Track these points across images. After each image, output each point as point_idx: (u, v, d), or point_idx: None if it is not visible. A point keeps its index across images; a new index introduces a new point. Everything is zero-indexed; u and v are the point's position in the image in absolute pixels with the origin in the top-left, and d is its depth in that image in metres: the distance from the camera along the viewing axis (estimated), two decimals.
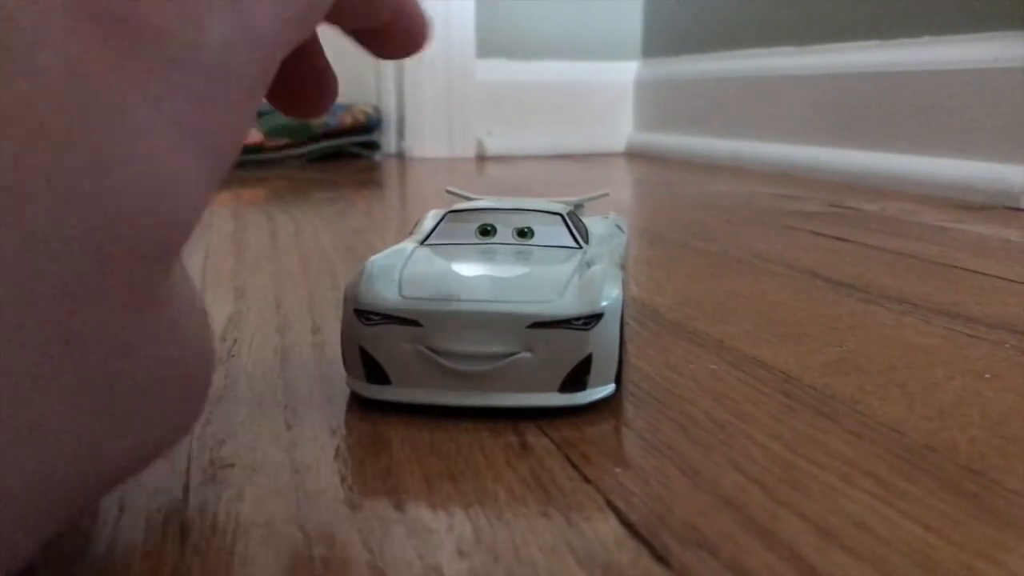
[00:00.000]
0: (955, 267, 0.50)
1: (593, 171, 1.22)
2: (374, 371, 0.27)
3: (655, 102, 1.51)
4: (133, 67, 0.15)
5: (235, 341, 0.35)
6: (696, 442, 0.24)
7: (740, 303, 0.41)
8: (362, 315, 0.26)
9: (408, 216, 0.75)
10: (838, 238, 0.61)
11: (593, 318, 0.26)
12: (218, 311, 0.40)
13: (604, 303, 0.26)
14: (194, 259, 0.52)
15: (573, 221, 0.32)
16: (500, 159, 1.42)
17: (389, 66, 1.50)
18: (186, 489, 0.22)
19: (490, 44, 1.49)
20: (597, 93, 1.55)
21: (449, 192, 0.41)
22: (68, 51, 0.14)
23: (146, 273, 0.15)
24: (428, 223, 0.34)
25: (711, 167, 1.22)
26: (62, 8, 0.14)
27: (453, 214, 0.32)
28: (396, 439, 0.25)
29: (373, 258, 0.28)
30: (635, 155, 1.49)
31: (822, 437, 0.25)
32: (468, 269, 0.28)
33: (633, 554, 0.18)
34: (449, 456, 0.24)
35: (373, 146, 1.45)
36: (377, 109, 1.49)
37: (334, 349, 0.34)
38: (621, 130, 1.56)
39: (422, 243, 0.31)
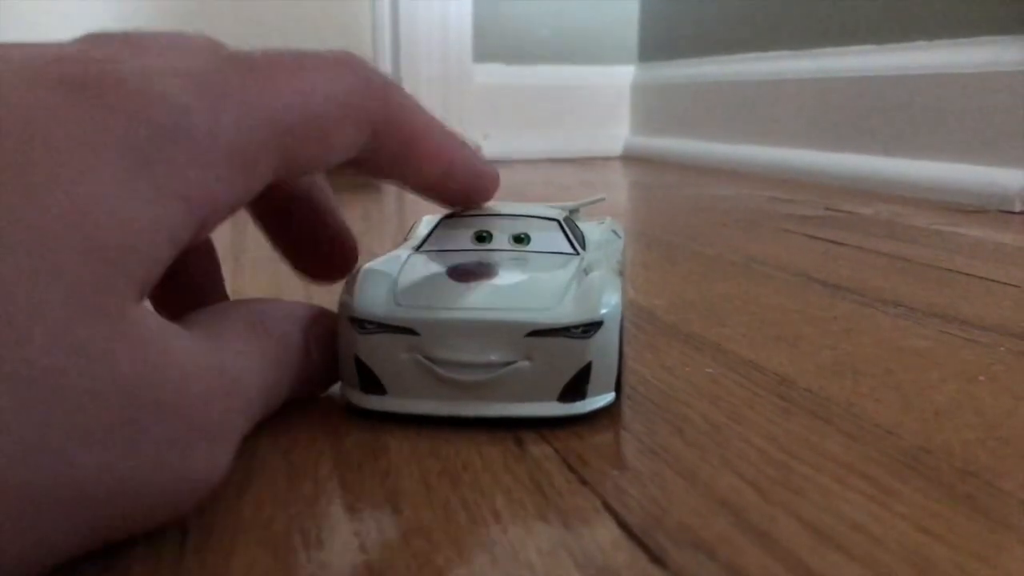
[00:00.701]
0: (950, 270, 0.51)
1: (590, 175, 1.23)
2: (369, 381, 0.26)
3: (651, 106, 1.51)
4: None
5: None
6: (692, 444, 0.24)
7: (736, 306, 0.41)
8: (357, 324, 0.26)
9: (405, 220, 0.75)
10: (833, 241, 0.61)
11: (592, 326, 0.25)
12: None
13: (603, 311, 0.26)
14: None
15: (569, 227, 0.32)
16: (497, 163, 1.42)
17: (386, 69, 1.50)
18: None
19: (487, 48, 1.49)
20: (594, 97, 1.56)
21: None
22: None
23: (103, 286, 0.16)
24: (422, 229, 0.34)
25: (707, 171, 1.22)
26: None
27: (448, 220, 0.31)
28: (394, 442, 0.25)
29: (367, 265, 0.28)
30: (631, 159, 1.49)
31: (817, 439, 0.25)
32: (460, 278, 0.27)
33: (630, 556, 0.19)
34: (447, 459, 0.24)
35: None
36: None
37: None
38: (617, 134, 1.57)
39: (417, 249, 0.30)
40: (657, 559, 0.18)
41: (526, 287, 0.27)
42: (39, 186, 0.16)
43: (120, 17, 1.52)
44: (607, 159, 1.49)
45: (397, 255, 0.29)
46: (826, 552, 0.19)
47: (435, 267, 0.28)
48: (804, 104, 1.11)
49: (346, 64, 0.23)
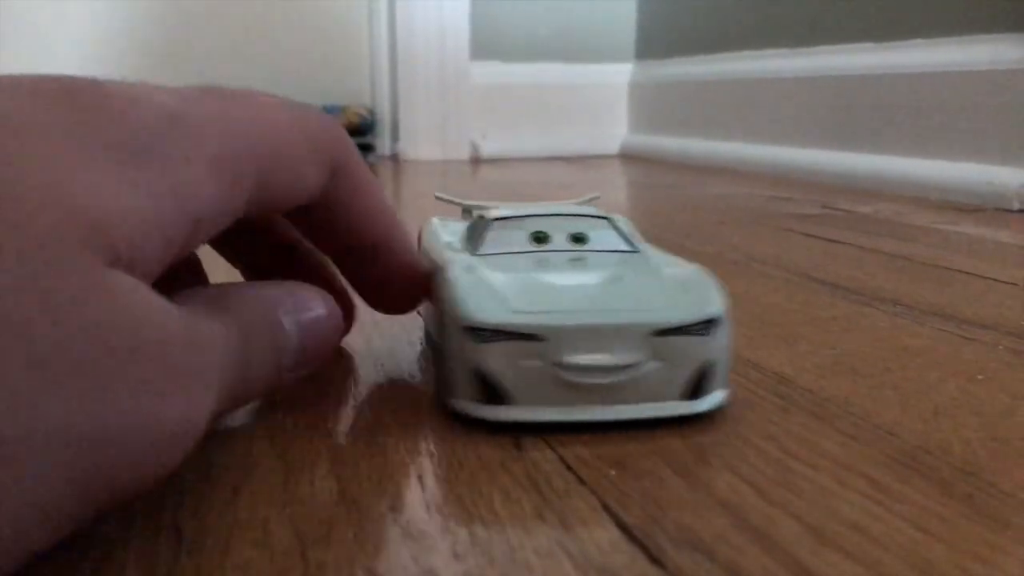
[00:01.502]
0: (948, 269, 0.51)
1: (587, 173, 1.23)
2: (492, 391, 0.25)
3: (649, 104, 1.51)
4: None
5: None
6: (690, 444, 0.24)
7: (734, 305, 0.41)
8: (475, 333, 0.25)
9: (401, 218, 0.75)
10: (832, 240, 0.61)
11: (712, 322, 0.25)
12: None
13: (720, 306, 0.26)
14: None
15: (615, 224, 0.32)
16: (494, 161, 1.43)
17: (383, 68, 1.50)
18: (180, 491, 0.22)
19: (484, 46, 1.49)
20: (591, 95, 1.56)
21: (439, 199, 0.41)
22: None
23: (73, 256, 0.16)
24: (444, 234, 0.33)
25: (705, 169, 1.22)
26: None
27: (499, 222, 0.30)
28: (391, 441, 0.25)
29: (449, 273, 0.27)
30: (629, 157, 1.49)
31: (816, 439, 0.25)
32: (560, 279, 0.27)
33: (628, 557, 0.18)
34: (444, 458, 0.24)
35: (367, 149, 1.45)
36: (371, 111, 1.49)
37: None
38: (615, 132, 1.56)
39: (475, 254, 0.29)
40: (656, 559, 0.18)
41: (629, 287, 0.26)
42: (15, 160, 0.16)
43: (119, 18, 1.52)
44: (605, 157, 1.49)
45: (463, 260, 0.28)
46: (825, 552, 0.19)
47: (525, 270, 0.28)
48: (802, 102, 1.11)
49: (309, 108, 0.25)
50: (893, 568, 0.18)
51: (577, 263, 0.28)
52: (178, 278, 0.24)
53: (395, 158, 1.47)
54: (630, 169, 1.30)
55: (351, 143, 0.26)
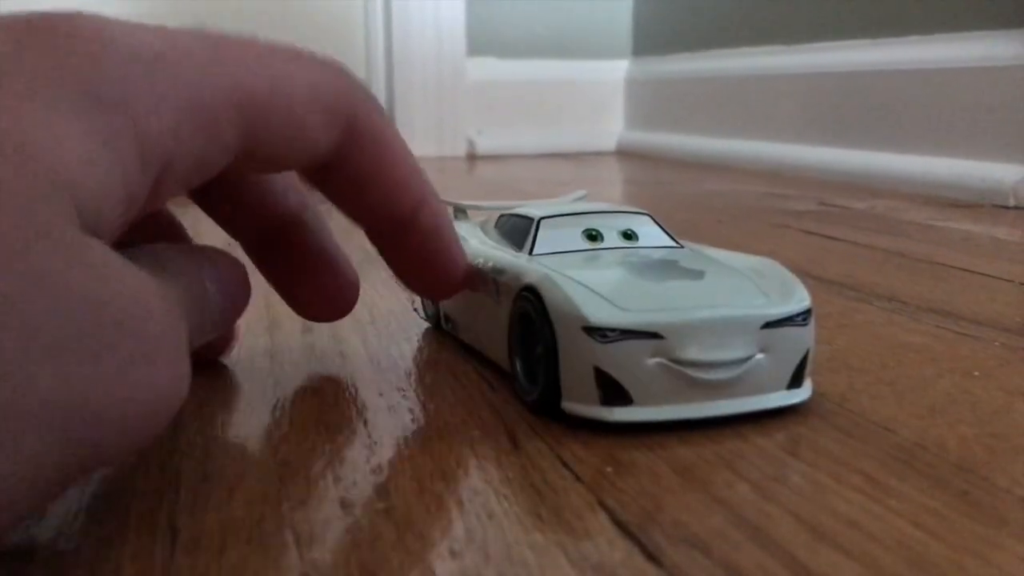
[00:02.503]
0: (944, 265, 0.51)
1: (583, 170, 1.23)
2: (614, 392, 0.25)
3: (645, 101, 1.51)
4: None
5: None
6: (686, 441, 0.24)
7: None
8: (595, 333, 0.24)
9: None
10: (828, 236, 0.61)
11: (807, 313, 0.26)
12: None
13: (809, 297, 0.27)
14: None
15: (656, 220, 0.32)
16: (490, 158, 1.42)
17: (379, 64, 1.50)
18: (175, 489, 0.22)
19: (480, 42, 1.49)
20: (587, 92, 1.56)
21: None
22: None
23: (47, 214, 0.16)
24: (466, 234, 0.33)
25: (701, 166, 1.22)
26: None
27: (547, 221, 0.30)
28: (386, 438, 0.25)
29: (548, 273, 0.26)
30: (625, 154, 1.49)
31: (812, 435, 0.25)
32: (647, 277, 0.27)
33: (625, 553, 0.18)
34: (440, 455, 0.24)
35: None
36: None
37: (324, 348, 0.34)
38: (611, 129, 1.56)
39: (531, 254, 0.29)
40: (652, 556, 0.18)
41: (723, 282, 0.27)
42: None
43: (112, 13, 1.51)
44: (601, 154, 1.49)
45: (538, 261, 0.28)
46: (822, 549, 0.19)
47: (613, 268, 0.27)
48: (798, 99, 1.11)
49: (331, 63, 0.23)
50: (889, 564, 0.18)
51: (656, 261, 0.28)
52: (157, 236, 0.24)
53: None
54: (626, 166, 1.29)
55: (373, 98, 0.24)
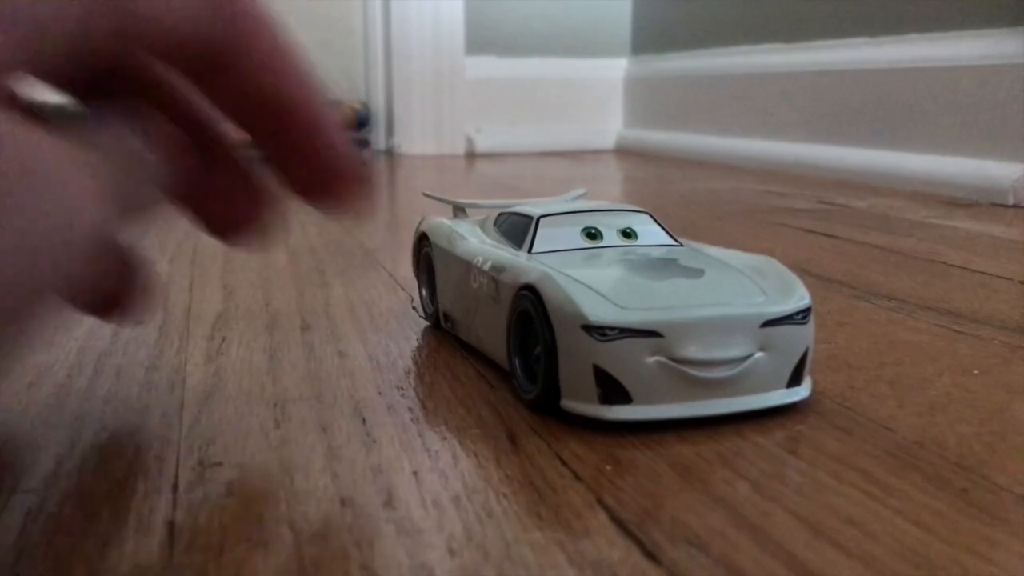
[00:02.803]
0: (943, 263, 0.51)
1: (583, 168, 1.22)
2: (613, 390, 0.25)
3: (644, 99, 1.51)
4: None
5: (224, 339, 0.35)
6: (685, 439, 0.24)
7: None
8: (595, 331, 0.24)
9: (398, 213, 0.75)
10: (827, 235, 0.61)
11: (807, 311, 0.26)
12: (207, 309, 0.40)
13: (808, 296, 0.27)
14: (182, 258, 0.51)
15: (655, 218, 0.32)
16: (489, 156, 1.42)
17: (378, 62, 1.50)
18: (175, 488, 0.22)
19: (479, 40, 1.48)
20: (587, 90, 1.55)
21: (427, 196, 0.41)
22: None
23: None
24: (465, 232, 0.33)
25: (700, 164, 1.22)
26: None
27: (546, 220, 0.30)
28: (384, 437, 0.25)
29: (547, 272, 0.26)
30: (624, 152, 1.49)
31: (811, 434, 0.25)
32: (647, 275, 0.27)
33: (623, 551, 0.18)
34: (439, 454, 0.24)
35: (363, 143, 1.45)
36: (366, 105, 1.48)
37: (323, 347, 0.34)
38: (610, 127, 1.56)
39: (530, 252, 0.29)
40: (651, 554, 0.18)
41: (722, 280, 0.27)
42: None
43: None
44: (600, 152, 1.49)
45: (528, 263, 0.28)
46: (821, 547, 0.18)
47: (613, 267, 0.27)
48: (797, 97, 1.11)
49: None
50: (888, 562, 0.18)
51: (655, 260, 0.28)
52: None
53: (390, 153, 1.47)
54: (625, 164, 1.29)
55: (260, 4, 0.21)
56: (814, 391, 0.27)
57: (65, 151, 0.17)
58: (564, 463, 0.23)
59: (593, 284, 0.25)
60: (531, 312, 0.26)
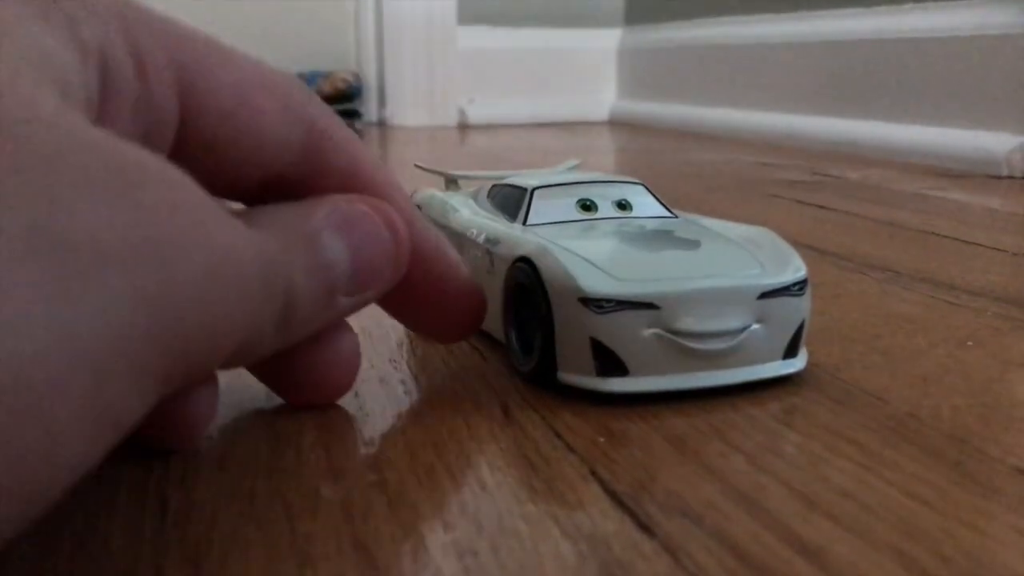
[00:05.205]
0: (937, 235, 0.50)
1: (576, 140, 1.22)
2: (610, 363, 0.24)
3: (638, 70, 1.50)
4: None
5: None
6: (679, 411, 0.24)
7: None
8: (591, 303, 0.24)
9: None
10: (821, 206, 0.61)
11: (803, 283, 0.26)
12: None
13: (804, 267, 0.27)
14: None
15: (650, 190, 0.32)
16: (482, 127, 1.41)
17: (369, 32, 1.49)
18: (165, 461, 0.21)
19: (472, 11, 1.47)
20: (580, 61, 1.54)
21: (418, 167, 0.40)
22: None
23: None
24: (457, 205, 0.32)
25: (694, 135, 1.22)
26: None
27: (540, 191, 0.30)
28: (378, 409, 0.25)
29: (543, 244, 0.26)
30: (618, 123, 1.48)
31: (806, 405, 0.25)
32: (642, 247, 0.26)
33: (617, 524, 0.18)
34: (432, 427, 0.24)
35: (354, 115, 1.44)
36: (357, 76, 1.47)
37: None
38: (604, 98, 1.55)
39: (524, 224, 0.29)
40: (644, 526, 0.18)
41: (718, 252, 0.27)
42: None
43: None
44: (594, 124, 1.48)
45: (530, 232, 0.28)
46: (815, 519, 0.18)
47: (608, 239, 0.27)
48: (792, 68, 1.10)
49: (291, 76, 0.21)
50: (882, 534, 0.18)
51: (651, 232, 0.28)
52: None
53: (382, 124, 1.46)
54: (619, 135, 1.29)
55: (327, 107, 0.22)
56: (808, 363, 0.27)
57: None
58: (558, 435, 0.23)
59: (589, 256, 0.25)
60: (527, 284, 0.26)
